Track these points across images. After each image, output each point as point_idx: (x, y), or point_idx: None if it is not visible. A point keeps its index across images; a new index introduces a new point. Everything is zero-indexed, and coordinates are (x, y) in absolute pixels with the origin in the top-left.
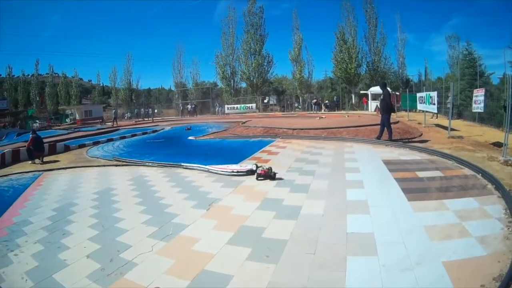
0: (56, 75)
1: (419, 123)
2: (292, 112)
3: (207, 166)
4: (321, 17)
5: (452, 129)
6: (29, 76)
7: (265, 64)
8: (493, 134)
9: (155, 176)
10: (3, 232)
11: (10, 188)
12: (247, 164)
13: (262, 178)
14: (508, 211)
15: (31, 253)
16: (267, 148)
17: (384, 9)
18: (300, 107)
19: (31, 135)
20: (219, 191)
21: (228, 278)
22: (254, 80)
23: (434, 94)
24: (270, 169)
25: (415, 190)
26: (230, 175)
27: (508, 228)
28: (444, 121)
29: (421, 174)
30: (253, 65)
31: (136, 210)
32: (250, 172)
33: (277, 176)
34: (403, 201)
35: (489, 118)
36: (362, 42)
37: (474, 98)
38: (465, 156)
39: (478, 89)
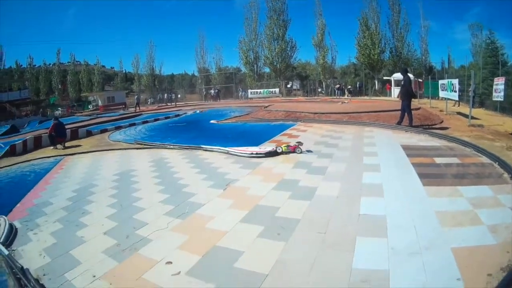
0: (78, 63)
1: (440, 111)
2: (315, 97)
3: (226, 148)
4: (344, 3)
5: (473, 118)
6: (51, 65)
7: (288, 49)
8: None
9: (175, 158)
10: (23, 213)
11: (32, 173)
12: (266, 147)
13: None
14: None
15: (50, 231)
16: (287, 131)
17: None
18: (323, 92)
19: (53, 122)
20: (237, 172)
21: (238, 254)
22: (278, 65)
23: (455, 81)
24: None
25: (431, 176)
26: (249, 157)
27: None
28: (465, 109)
29: (438, 160)
30: (276, 50)
31: (154, 190)
32: (269, 154)
33: (303, 150)
34: (418, 185)
35: (510, 107)
36: (385, 29)
37: (494, 87)
38: (484, 144)
39: (498, 78)
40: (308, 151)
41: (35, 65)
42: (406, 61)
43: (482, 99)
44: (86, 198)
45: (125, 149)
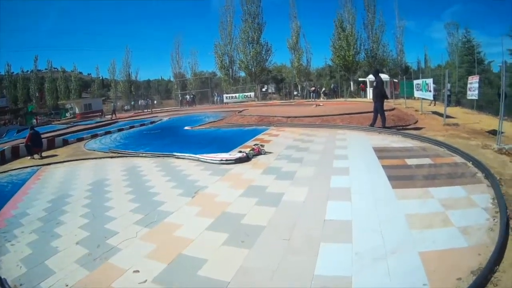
0: (55, 70)
1: (416, 110)
2: (291, 101)
3: (197, 156)
4: (319, 4)
5: (448, 117)
6: (28, 73)
7: (263, 52)
8: (490, 122)
9: (148, 166)
10: (2, 224)
11: (9, 183)
12: (237, 153)
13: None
14: (496, 200)
15: (26, 242)
16: (260, 136)
17: None
18: (299, 95)
19: (29, 132)
20: (206, 179)
21: (202, 262)
22: (253, 69)
23: (429, 81)
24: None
25: (401, 178)
26: (219, 163)
27: (494, 219)
28: (441, 109)
29: (410, 161)
30: (251, 54)
31: (126, 199)
32: (239, 160)
33: (266, 158)
34: (387, 188)
35: (487, 106)
36: (361, 30)
37: (468, 85)
38: (458, 143)
39: (473, 76)
40: (268, 152)
41: (12, 73)
42: (381, 61)
43: (459, 98)
44: (61, 209)
45: (100, 158)
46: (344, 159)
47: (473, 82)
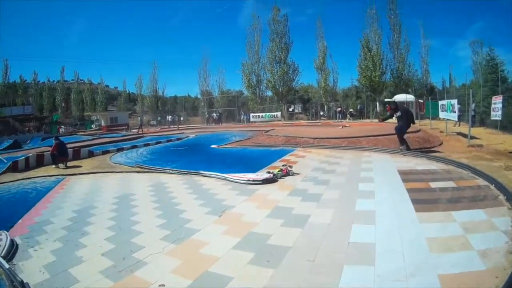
0: (82, 81)
1: (441, 132)
2: (317, 121)
3: (224, 175)
4: (345, 24)
5: (472, 137)
6: (55, 82)
7: (290, 72)
8: None
9: (174, 183)
10: (24, 230)
11: (34, 190)
12: (264, 173)
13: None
14: None
15: (50, 249)
16: (286, 157)
17: (408, 15)
18: (325, 115)
19: (54, 141)
20: (233, 198)
21: (228, 280)
22: (280, 88)
23: (454, 101)
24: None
25: (425, 201)
26: (246, 183)
27: None
28: (466, 129)
29: (433, 184)
30: (278, 73)
31: (152, 214)
32: (266, 181)
33: (292, 179)
34: (410, 212)
35: (511, 125)
36: (386, 49)
37: (492, 106)
38: (482, 165)
39: (496, 96)
40: (296, 173)
41: (39, 81)
42: (407, 81)
43: (483, 118)
44: (86, 220)
45: (126, 172)
46: (369, 181)
47: (497, 102)
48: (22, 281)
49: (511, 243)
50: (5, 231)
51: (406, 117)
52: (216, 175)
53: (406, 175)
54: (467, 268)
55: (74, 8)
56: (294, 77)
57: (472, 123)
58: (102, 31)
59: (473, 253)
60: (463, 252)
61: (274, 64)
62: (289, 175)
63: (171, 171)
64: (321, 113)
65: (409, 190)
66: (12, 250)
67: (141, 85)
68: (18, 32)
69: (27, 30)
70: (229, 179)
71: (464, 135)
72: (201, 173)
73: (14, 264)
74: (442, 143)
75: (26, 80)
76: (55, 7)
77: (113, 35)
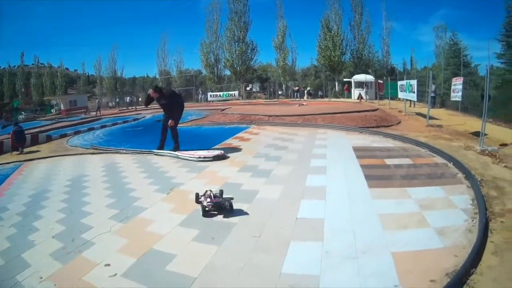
0: (42, 65)
1: (399, 111)
2: (275, 100)
3: (176, 152)
4: (307, 4)
5: (432, 118)
6: (15, 68)
7: (249, 51)
8: (475, 124)
9: (127, 162)
10: None
11: None
12: (215, 151)
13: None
14: (475, 201)
15: (5, 236)
16: (240, 134)
17: None
18: (283, 94)
19: (13, 128)
20: (183, 176)
21: (171, 257)
22: (238, 68)
23: (414, 82)
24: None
25: (379, 177)
26: (197, 160)
27: (473, 220)
28: (425, 110)
29: (389, 161)
30: (236, 52)
31: (102, 194)
32: (217, 158)
33: (243, 156)
34: (363, 188)
35: (472, 108)
36: (347, 30)
37: (452, 87)
38: (441, 144)
39: (457, 78)
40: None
41: None
42: (367, 62)
43: (444, 100)
44: (40, 203)
45: (81, 154)
46: (322, 158)
47: (457, 83)
48: None
49: (471, 222)
50: None
51: (178, 106)
52: (169, 153)
53: (361, 152)
54: (424, 246)
55: None
56: (252, 56)
57: (432, 104)
58: (61, 14)
59: (430, 231)
60: (419, 229)
61: (233, 43)
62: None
63: (124, 151)
64: (280, 92)
65: (363, 167)
66: None
67: (100, 66)
68: None
69: None
70: (180, 156)
71: (423, 116)
72: (154, 152)
73: None
74: (400, 122)
75: None
76: None
77: (72, 18)
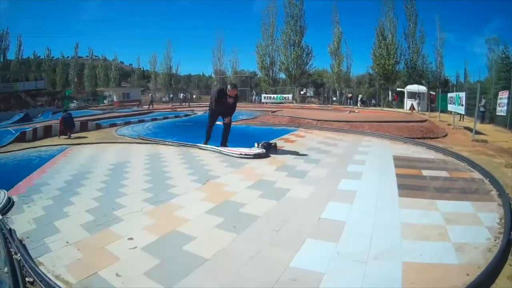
0: (96, 57)
1: (448, 124)
2: (328, 105)
3: (219, 148)
4: (361, 12)
5: (479, 133)
6: (69, 58)
7: (304, 55)
8: None
9: (170, 153)
10: (22, 190)
11: (37, 158)
12: (256, 149)
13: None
14: (503, 220)
15: (41, 206)
16: (286, 136)
17: (425, 7)
18: (337, 100)
19: (62, 114)
20: (221, 170)
21: (190, 239)
22: (293, 71)
23: (462, 94)
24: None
25: (411, 187)
26: (238, 157)
27: (495, 240)
28: (473, 124)
29: (426, 172)
30: (292, 56)
31: (141, 179)
32: (257, 156)
33: (284, 156)
34: (393, 196)
35: None
36: (401, 39)
37: (498, 101)
38: (482, 160)
39: (503, 92)
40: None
41: (53, 57)
42: (421, 73)
43: (493, 115)
44: (80, 182)
45: (128, 143)
46: (360, 164)
47: (503, 97)
48: (10, 228)
49: (493, 241)
50: (4, 190)
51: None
52: (212, 148)
53: (400, 161)
54: (438, 260)
55: None
56: (307, 61)
57: (481, 119)
58: (117, 8)
59: (448, 245)
60: (438, 242)
61: (288, 47)
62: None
63: (170, 143)
64: (334, 98)
65: (399, 175)
66: (8, 206)
67: (155, 62)
68: (31, 8)
69: (41, 6)
70: (223, 152)
71: (471, 130)
72: (198, 146)
73: (8, 217)
74: (446, 135)
75: (40, 56)
76: None
77: (128, 12)
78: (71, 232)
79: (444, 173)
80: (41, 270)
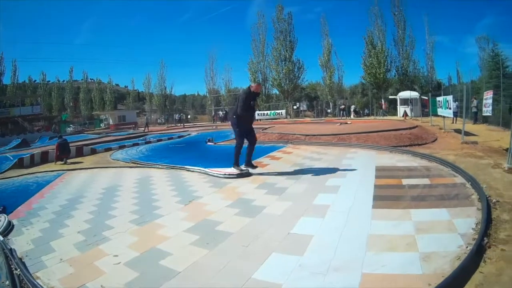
0: (92, 81)
1: (440, 128)
2: (321, 118)
3: (206, 169)
4: (355, 22)
5: (470, 135)
6: (64, 82)
7: (295, 70)
8: None
9: (159, 176)
10: (22, 214)
11: (35, 183)
12: (241, 168)
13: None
14: (479, 225)
15: (39, 228)
16: (273, 153)
17: (414, 11)
18: (330, 112)
19: (57, 140)
20: (205, 190)
21: (167, 255)
22: (285, 86)
23: (449, 97)
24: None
25: (388, 198)
26: (223, 177)
27: (467, 247)
28: (467, 126)
29: (406, 181)
30: (283, 71)
31: (129, 202)
32: (241, 175)
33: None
34: (366, 208)
35: None
36: (391, 46)
37: (483, 101)
38: (469, 162)
39: (487, 92)
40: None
41: (48, 81)
42: (412, 78)
43: (486, 115)
44: (74, 206)
45: (121, 167)
46: (341, 177)
47: (488, 97)
48: (11, 248)
49: (465, 248)
50: (5, 215)
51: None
52: (199, 169)
53: (382, 172)
54: (400, 271)
55: (79, 8)
56: (299, 75)
57: (474, 120)
58: (110, 32)
59: (415, 256)
60: (405, 253)
61: (279, 62)
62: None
63: (160, 166)
64: (328, 110)
65: (378, 187)
66: (8, 229)
67: (149, 84)
68: (25, 33)
69: (35, 31)
70: (209, 173)
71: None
72: (186, 168)
73: (8, 239)
74: (436, 139)
75: (35, 80)
76: (62, 8)
77: (121, 35)
78: (65, 250)
79: (425, 181)
80: (37, 283)
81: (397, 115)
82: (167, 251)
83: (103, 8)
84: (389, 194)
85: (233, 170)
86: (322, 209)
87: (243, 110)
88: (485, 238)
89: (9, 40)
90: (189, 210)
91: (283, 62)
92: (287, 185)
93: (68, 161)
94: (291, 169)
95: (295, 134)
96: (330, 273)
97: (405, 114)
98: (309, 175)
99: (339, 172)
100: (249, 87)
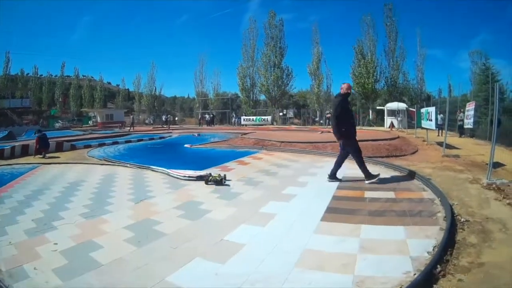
0: (85, 77)
1: (423, 140)
2: (308, 126)
3: (168, 170)
4: (347, 31)
5: (453, 148)
6: (55, 77)
7: (284, 77)
8: (497, 153)
9: (124, 175)
10: None
11: (9, 174)
12: (207, 171)
13: (211, 183)
14: (436, 249)
15: (0, 214)
16: (243, 158)
17: (407, 23)
18: (317, 120)
19: (37, 135)
20: (160, 190)
21: (99, 247)
22: (273, 93)
23: (432, 109)
24: (220, 176)
25: (342, 211)
26: (183, 179)
27: (414, 274)
28: (452, 139)
29: (369, 193)
30: (272, 77)
31: (87, 197)
32: (200, 178)
33: (225, 182)
34: (314, 220)
35: (501, 136)
36: (382, 57)
37: (466, 113)
38: (446, 176)
39: (469, 103)
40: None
41: (40, 75)
42: (402, 90)
43: (474, 128)
44: (37, 197)
45: (93, 164)
46: (301, 186)
47: (469, 109)
48: None
49: (412, 275)
50: None
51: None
52: (163, 170)
53: (346, 183)
54: None
55: (77, 6)
56: (288, 82)
57: (460, 133)
58: (105, 30)
59: (347, 278)
60: (337, 274)
61: (268, 68)
62: (221, 184)
63: (128, 165)
64: (316, 118)
65: (336, 198)
66: None
67: (139, 83)
68: (21, 26)
69: (30, 24)
70: (170, 174)
71: (447, 145)
72: (151, 168)
73: None
74: (417, 151)
75: (28, 73)
76: (59, 4)
77: (115, 34)
78: (16, 235)
79: (389, 194)
80: None
81: (384, 125)
82: (101, 244)
83: (101, 7)
84: (344, 207)
85: (193, 173)
86: (266, 217)
87: (342, 113)
88: (438, 266)
89: (4, 31)
90: (136, 208)
91: (272, 68)
92: (242, 191)
93: (47, 155)
94: (254, 175)
95: (270, 141)
96: (244, 285)
97: (392, 125)
98: (270, 182)
99: (301, 180)
100: (339, 93)
